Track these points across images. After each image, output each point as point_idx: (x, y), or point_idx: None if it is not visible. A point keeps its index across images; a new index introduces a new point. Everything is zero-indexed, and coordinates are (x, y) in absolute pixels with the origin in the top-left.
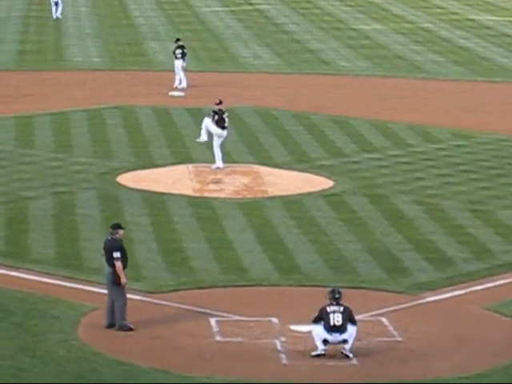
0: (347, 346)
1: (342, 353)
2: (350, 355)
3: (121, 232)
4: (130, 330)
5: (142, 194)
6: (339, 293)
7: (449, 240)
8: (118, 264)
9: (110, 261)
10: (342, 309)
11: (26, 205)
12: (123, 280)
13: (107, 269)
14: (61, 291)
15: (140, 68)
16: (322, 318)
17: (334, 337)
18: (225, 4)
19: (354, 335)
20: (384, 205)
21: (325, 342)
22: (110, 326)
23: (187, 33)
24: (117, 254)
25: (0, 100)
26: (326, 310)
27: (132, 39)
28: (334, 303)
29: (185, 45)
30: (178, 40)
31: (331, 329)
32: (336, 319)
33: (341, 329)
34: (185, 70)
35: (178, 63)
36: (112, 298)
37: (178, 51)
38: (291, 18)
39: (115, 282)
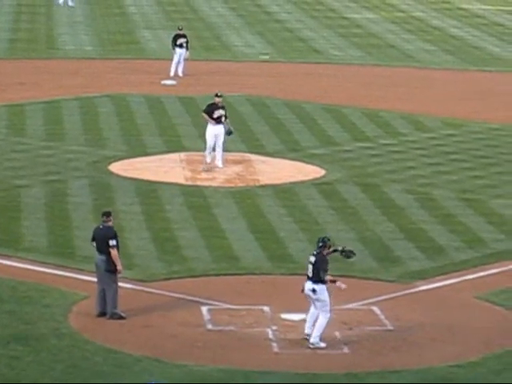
0: (311, 339)
1: (309, 347)
2: (317, 345)
3: (111, 219)
4: (122, 318)
5: (133, 183)
6: (323, 241)
7: (440, 229)
8: (114, 252)
9: (104, 248)
10: (313, 260)
11: (17, 193)
12: (119, 267)
13: (99, 257)
14: (52, 279)
15: (132, 56)
16: None
17: (307, 285)
18: None
19: (321, 323)
20: (375, 194)
21: (302, 290)
22: (101, 314)
23: (179, 21)
24: (113, 242)
25: None
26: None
27: (124, 28)
28: (315, 252)
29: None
30: (180, 28)
31: (307, 277)
32: (309, 269)
33: (311, 279)
34: (186, 60)
35: (182, 52)
36: (103, 287)
37: (183, 40)
38: (283, 6)
39: (109, 270)
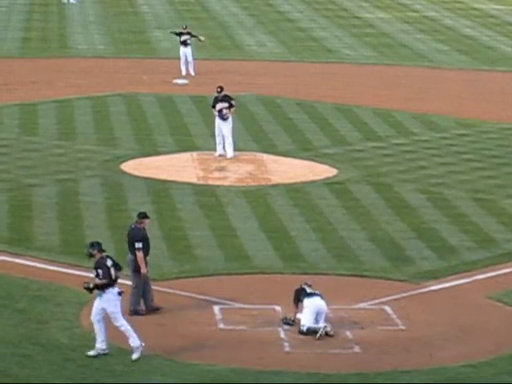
0: None
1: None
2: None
3: (146, 221)
4: (142, 314)
5: (145, 182)
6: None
7: (452, 229)
8: (140, 254)
9: (132, 249)
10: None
11: (29, 192)
12: (143, 270)
13: (129, 256)
14: (64, 278)
15: (144, 56)
16: None
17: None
18: None
19: None
20: (387, 193)
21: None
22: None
23: (192, 21)
24: (138, 245)
25: (4, 87)
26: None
27: (136, 27)
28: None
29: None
30: (184, 28)
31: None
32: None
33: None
34: (194, 59)
35: (187, 51)
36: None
37: (187, 37)
38: (295, 6)
39: (135, 270)
